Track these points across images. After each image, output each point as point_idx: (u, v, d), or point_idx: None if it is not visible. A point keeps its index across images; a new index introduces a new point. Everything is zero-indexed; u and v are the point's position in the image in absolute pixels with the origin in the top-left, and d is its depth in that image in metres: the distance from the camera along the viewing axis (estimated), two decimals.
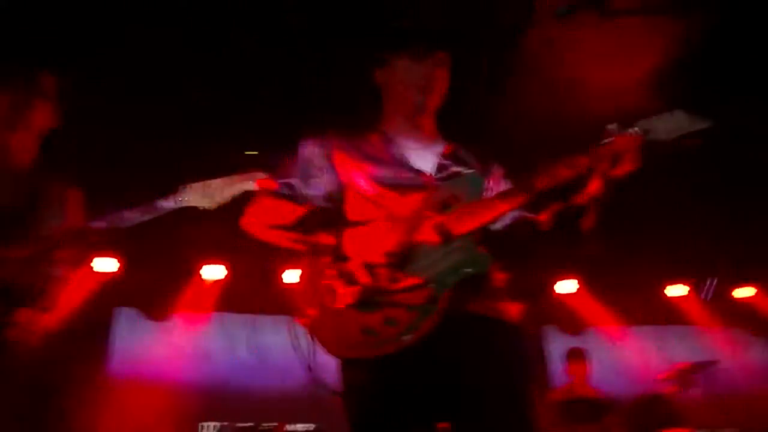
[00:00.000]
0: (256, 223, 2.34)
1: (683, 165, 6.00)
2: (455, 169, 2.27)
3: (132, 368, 7.45)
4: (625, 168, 1.98)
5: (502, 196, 2.07)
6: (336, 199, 2.31)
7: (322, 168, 2.31)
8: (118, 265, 7.06)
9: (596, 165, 1.99)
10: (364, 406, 2.03)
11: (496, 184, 2.33)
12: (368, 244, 2.04)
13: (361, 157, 2.29)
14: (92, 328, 7.20)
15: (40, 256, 2.41)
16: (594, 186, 2.02)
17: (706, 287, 8.25)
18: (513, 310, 2.15)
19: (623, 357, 8.36)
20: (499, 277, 2.17)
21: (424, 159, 2.28)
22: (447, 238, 2.02)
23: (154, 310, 7.55)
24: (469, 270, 1.99)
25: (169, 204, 2.32)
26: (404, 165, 2.26)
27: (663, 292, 8.17)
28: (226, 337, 7.84)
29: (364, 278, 2.02)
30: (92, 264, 6.98)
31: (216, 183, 2.28)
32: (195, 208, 2.31)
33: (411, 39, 2.32)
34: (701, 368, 6.00)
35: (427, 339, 1.93)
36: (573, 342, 7.30)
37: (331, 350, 2.03)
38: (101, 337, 7.48)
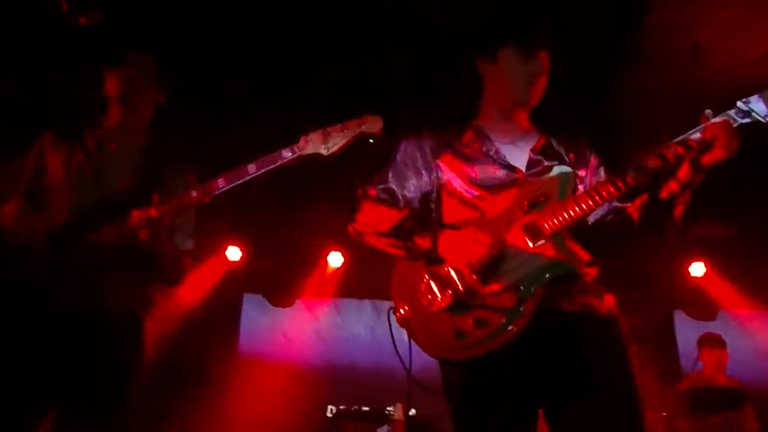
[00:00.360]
0: (360, 229, 2.41)
1: None
2: (547, 163, 2.28)
3: (259, 351, 7.80)
4: (716, 155, 1.94)
5: (592, 193, 2.05)
6: (432, 200, 2.38)
7: (419, 169, 2.40)
8: (241, 254, 7.39)
9: (687, 153, 1.97)
10: (461, 407, 2.11)
11: (592, 175, 2.36)
12: (461, 249, 2.07)
13: (456, 156, 2.35)
14: (223, 312, 7.61)
15: (166, 228, 2.44)
16: (684, 174, 2.00)
17: None
18: (605, 303, 2.16)
19: (759, 343, 7.87)
20: (590, 272, 2.15)
21: (517, 154, 2.32)
22: (536, 237, 2.05)
23: (277, 296, 7.85)
24: (557, 271, 2.01)
25: (288, 153, 2.35)
26: (498, 161, 2.30)
27: None
28: (347, 322, 8.06)
29: (456, 282, 2.08)
30: (225, 252, 7.35)
31: (333, 129, 2.35)
32: (313, 156, 2.36)
33: (521, 34, 2.36)
34: None
35: (520, 339, 1.97)
36: (704, 328, 6.92)
37: (426, 350, 2.11)
38: (231, 321, 7.87)
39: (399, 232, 2.25)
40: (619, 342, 2.14)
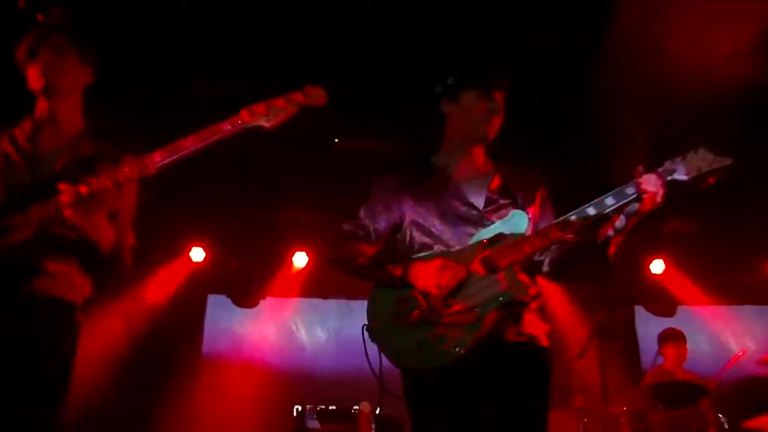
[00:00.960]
0: (338, 263, 2.72)
1: None
2: (502, 202, 2.61)
3: (223, 352, 7.74)
4: (645, 207, 2.33)
5: (539, 235, 2.41)
6: (401, 233, 2.67)
7: (389, 205, 2.68)
8: (204, 254, 7.33)
9: (621, 205, 2.35)
10: (417, 409, 2.47)
11: (539, 209, 2.66)
12: (430, 276, 2.37)
13: (422, 193, 2.65)
14: (187, 313, 7.53)
15: (98, 209, 2.30)
16: (617, 221, 2.39)
17: None
18: (544, 335, 2.52)
19: (719, 338, 8.05)
20: (534, 304, 2.49)
21: (476, 192, 2.64)
22: (492, 270, 2.38)
23: (242, 296, 7.79)
24: (507, 298, 2.35)
25: (228, 126, 2.32)
26: (459, 198, 2.62)
27: (765, 268, 7.75)
28: (310, 323, 8.02)
29: (423, 304, 2.39)
30: (189, 253, 7.28)
31: (275, 101, 2.36)
32: (255, 128, 2.35)
33: (482, 78, 2.66)
34: None
35: (472, 357, 2.31)
36: (664, 323, 7.06)
37: (392, 361, 2.44)
38: (195, 322, 7.79)
39: (372, 264, 2.55)
40: (548, 372, 2.52)
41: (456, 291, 2.36)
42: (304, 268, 7.49)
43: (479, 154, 2.74)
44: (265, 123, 2.34)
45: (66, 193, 2.21)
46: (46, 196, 2.25)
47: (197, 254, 7.34)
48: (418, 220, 2.61)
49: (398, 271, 2.46)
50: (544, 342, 2.51)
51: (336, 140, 5.70)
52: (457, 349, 2.31)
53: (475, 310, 2.34)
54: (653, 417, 5.74)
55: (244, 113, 2.33)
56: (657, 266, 7.73)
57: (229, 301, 7.82)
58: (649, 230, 7.39)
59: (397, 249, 2.64)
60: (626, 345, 8.09)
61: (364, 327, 2.49)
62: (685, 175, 2.37)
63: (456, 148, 2.73)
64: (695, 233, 7.31)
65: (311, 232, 7.09)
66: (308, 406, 5.79)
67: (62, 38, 2.55)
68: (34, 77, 2.53)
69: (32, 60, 2.52)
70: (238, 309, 7.84)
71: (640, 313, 8.22)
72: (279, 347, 7.92)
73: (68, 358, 2.38)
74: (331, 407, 5.75)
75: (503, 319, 2.38)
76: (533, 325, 2.49)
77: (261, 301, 7.82)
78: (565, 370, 7.82)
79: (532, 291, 2.48)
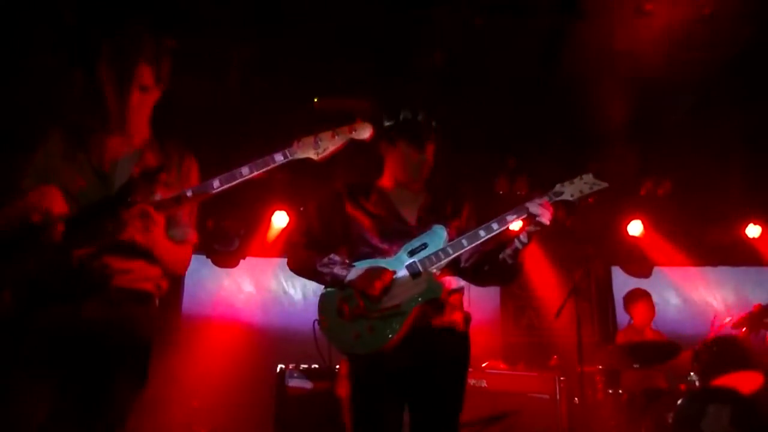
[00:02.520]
0: (294, 270, 3.20)
1: (762, 101, 5.81)
2: (430, 219, 3.11)
3: (203, 312, 7.76)
4: (539, 226, 2.91)
5: (452, 246, 2.96)
6: (346, 243, 3.13)
7: (337, 219, 3.15)
8: None
9: (522, 222, 2.95)
10: (355, 387, 2.98)
11: (464, 222, 3.18)
12: (368, 279, 2.87)
13: (365, 211, 3.13)
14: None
15: (153, 218, 2.42)
16: (517, 236, 3.00)
17: None
18: (463, 321, 3.10)
19: (694, 298, 8.21)
20: (454, 299, 3.07)
21: (409, 212, 3.16)
22: (415, 274, 2.92)
23: (221, 256, 7.77)
24: (427, 297, 2.90)
25: (280, 158, 2.54)
26: (395, 216, 3.14)
27: (743, 232, 7.87)
28: (291, 282, 8.05)
29: (360, 303, 2.88)
30: None
31: (324, 135, 2.58)
32: (305, 160, 2.57)
33: (414, 133, 3.15)
34: None
35: (401, 343, 2.83)
36: (640, 284, 7.18)
37: (338, 348, 2.96)
38: (174, 283, 7.74)
39: (322, 269, 3.01)
40: (467, 354, 3.10)
41: (387, 292, 2.87)
42: (284, 228, 7.47)
43: (414, 185, 3.24)
44: (313, 156, 2.56)
45: (128, 213, 2.35)
46: (119, 212, 2.37)
47: None
48: (361, 233, 3.09)
49: (342, 276, 2.95)
50: (462, 327, 3.08)
51: (315, 99, 5.69)
52: (390, 336, 2.81)
53: (402, 307, 2.86)
54: (626, 375, 5.89)
55: (294, 144, 2.55)
56: (634, 228, 7.81)
57: (209, 261, 7.81)
58: (626, 193, 7.49)
59: (342, 257, 3.08)
60: (602, 305, 8.24)
61: (315, 321, 3.00)
62: (571, 196, 2.97)
63: (394, 179, 3.24)
64: (669, 195, 7.39)
65: (291, 191, 7.08)
66: (291, 365, 5.85)
67: (152, 49, 2.57)
68: (111, 82, 2.52)
69: (109, 74, 2.52)
70: (218, 269, 7.83)
71: (617, 274, 8.35)
72: (260, 307, 7.95)
73: (148, 347, 2.58)
74: (314, 366, 5.81)
75: (425, 312, 2.91)
76: (452, 314, 3.04)
77: (241, 261, 7.82)
78: (544, 331, 7.98)
79: (450, 287, 3.04)
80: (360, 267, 2.96)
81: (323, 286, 3.07)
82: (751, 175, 6.78)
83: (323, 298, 3.04)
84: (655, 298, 6.54)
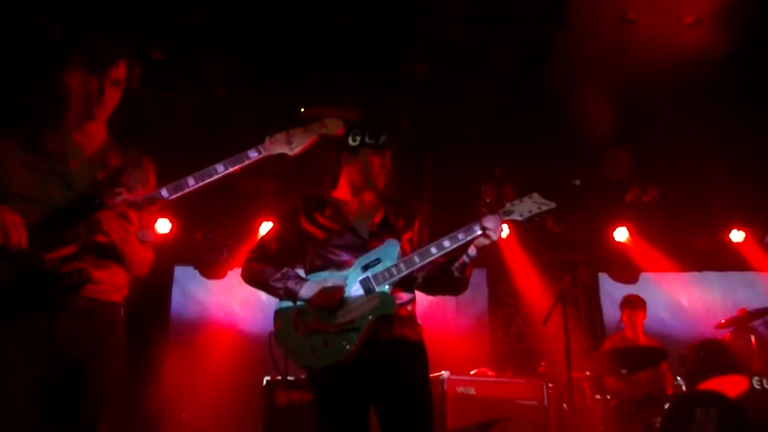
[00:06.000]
0: (248, 283, 3.20)
1: (745, 108, 5.88)
2: (383, 233, 3.14)
3: (191, 324, 7.73)
4: (487, 241, 2.96)
5: (404, 262, 3.00)
6: (303, 255, 3.17)
7: (292, 234, 3.19)
8: (170, 226, 7.27)
9: (469, 240, 2.98)
10: (317, 398, 3.03)
11: (416, 235, 3.24)
12: (318, 294, 2.92)
13: (319, 226, 3.15)
14: (153, 286, 7.43)
15: (130, 219, 2.43)
16: (469, 252, 3.04)
17: None
18: (416, 332, 3.09)
19: (682, 303, 8.26)
20: (405, 311, 3.07)
21: (363, 226, 3.17)
22: (368, 290, 2.95)
23: (209, 268, 7.75)
24: (378, 312, 2.93)
25: (254, 154, 2.56)
26: (349, 231, 3.15)
27: (727, 237, 7.96)
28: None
29: (314, 317, 2.94)
30: (155, 225, 7.20)
31: (296, 131, 2.62)
32: (279, 156, 2.60)
33: (377, 140, 3.19)
34: (760, 315, 5.88)
35: (356, 356, 2.88)
36: (627, 290, 7.22)
37: (295, 361, 3.01)
38: (162, 294, 7.73)
39: (276, 284, 3.03)
40: (424, 363, 3.07)
41: (341, 307, 2.92)
42: None
43: (368, 195, 3.28)
44: (287, 151, 2.60)
45: (105, 214, 2.35)
46: (88, 214, 2.36)
47: (163, 226, 7.28)
48: (315, 247, 3.12)
49: (295, 290, 2.98)
50: (414, 337, 3.07)
51: (302, 109, 5.71)
52: (346, 350, 2.87)
53: (355, 322, 2.91)
54: (614, 381, 5.91)
55: (267, 141, 2.58)
56: (620, 234, 7.87)
57: (196, 273, 7.78)
58: (613, 200, 7.56)
59: (297, 271, 3.10)
60: (590, 311, 8.27)
61: (270, 335, 3.05)
62: (520, 216, 3.04)
63: (350, 191, 3.27)
64: (656, 201, 7.45)
65: (278, 202, 7.08)
66: (278, 377, 5.82)
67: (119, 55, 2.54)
68: (73, 82, 2.51)
69: (83, 71, 2.49)
70: (206, 280, 7.80)
71: (604, 280, 8.40)
72: (248, 318, 7.92)
73: (118, 350, 2.57)
74: (301, 377, 5.79)
75: (378, 326, 2.93)
76: (402, 327, 3.03)
77: (229, 272, 7.79)
78: (532, 338, 8.00)
79: (401, 300, 3.05)
80: (313, 281, 3.00)
81: (278, 300, 3.10)
82: (734, 181, 6.85)
83: (278, 313, 3.07)
84: None
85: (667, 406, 4.99)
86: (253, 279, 3.17)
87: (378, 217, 3.23)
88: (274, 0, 4.72)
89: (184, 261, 7.81)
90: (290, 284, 3.00)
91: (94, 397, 2.43)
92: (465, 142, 6.50)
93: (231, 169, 2.51)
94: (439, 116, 6.06)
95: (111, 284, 2.52)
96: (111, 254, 2.46)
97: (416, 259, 3.00)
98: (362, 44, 5.10)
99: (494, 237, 2.96)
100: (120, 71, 2.53)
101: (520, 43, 5.20)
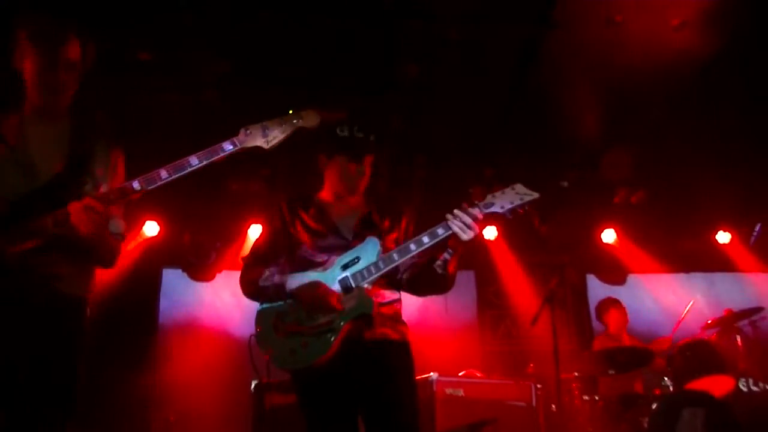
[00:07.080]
0: (242, 288, 3.20)
1: (731, 110, 5.92)
2: (365, 233, 3.09)
3: (180, 326, 7.68)
4: (472, 234, 2.85)
5: (384, 261, 2.94)
6: (288, 257, 3.13)
7: (280, 236, 3.16)
8: (158, 228, 7.24)
9: (448, 234, 2.88)
10: (300, 400, 3.03)
11: (402, 234, 3.20)
12: (297, 294, 2.93)
13: (304, 227, 3.15)
14: (142, 288, 7.41)
15: (99, 212, 2.35)
16: (449, 246, 2.96)
17: (755, 234, 8.09)
18: (399, 331, 3.07)
19: (668, 304, 8.30)
20: (387, 310, 3.04)
21: (346, 226, 3.16)
22: (347, 289, 2.92)
23: (197, 270, 7.72)
24: (357, 312, 2.88)
25: (229, 146, 2.50)
26: (333, 232, 3.14)
27: (713, 239, 8.05)
28: None
29: (293, 318, 2.94)
30: (143, 228, 7.18)
31: (272, 123, 2.58)
32: (253, 149, 2.55)
33: (351, 147, 3.14)
34: (746, 315, 5.93)
35: (335, 357, 2.85)
36: (615, 291, 7.27)
37: (275, 363, 2.98)
38: (151, 297, 7.69)
39: (264, 284, 3.04)
40: (408, 362, 3.05)
41: (318, 308, 2.89)
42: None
43: (353, 197, 3.25)
44: (263, 144, 2.55)
45: (74, 206, 2.28)
46: (54, 206, 2.29)
47: (151, 228, 7.24)
48: (298, 247, 3.11)
49: (282, 282, 2.98)
50: (395, 336, 3.05)
51: (290, 111, 5.70)
52: (323, 351, 2.84)
53: (332, 323, 2.87)
54: (602, 381, 5.93)
55: (242, 133, 2.53)
56: (608, 235, 7.92)
57: (185, 275, 7.74)
58: (601, 201, 7.59)
59: (281, 271, 3.09)
60: (578, 313, 8.31)
61: (251, 337, 3.06)
62: (501, 208, 2.91)
63: (333, 193, 3.25)
64: (643, 203, 7.49)
65: (267, 205, 7.06)
66: (265, 381, 5.80)
67: (69, 27, 2.49)
68: (29, 65, 2.45)
69: (30, 45, 2.44)
70: (194, 283, 7.77)
71: (592, 282, 8.43)
72: (237, 321, 7.87)
73: (83, 347, 2.49)
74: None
75: (356, 326, 2.90)
76: (383, 327, 3.01)
77: (218, 275, 7.76)
78: (521, 339, 8.02)
79: (383, 299, 3.04)
80: (297, 277, 2.99)
81: (259, 303, 3.09)
82: (720, 183, 6.90)
83: (259, 315, 3.07)
84: (629, 304, 6.63)
85: (654, 406, 5.02)
86: (249, 291, 3.16)
87: (362, 217, 3.21)
88: (267, 0, 4.69)
89: (173, 263, 7.77)
90: (276, 279, 3.00)
91: (59, 395, 2.37)
92: (455, 142, 6.51)
93: (205, 162, 2.46)
94: (429, 117, 6.05)
95: (77, 279, 2.46)
96: (77, 248, 2.39)
97: (395, 256, 2.94)
98: (354, 46, 5.09)
99: (472, 232, 2.84)
100: (72, 51, 2.46)
101: (510, 44, 5.21)
